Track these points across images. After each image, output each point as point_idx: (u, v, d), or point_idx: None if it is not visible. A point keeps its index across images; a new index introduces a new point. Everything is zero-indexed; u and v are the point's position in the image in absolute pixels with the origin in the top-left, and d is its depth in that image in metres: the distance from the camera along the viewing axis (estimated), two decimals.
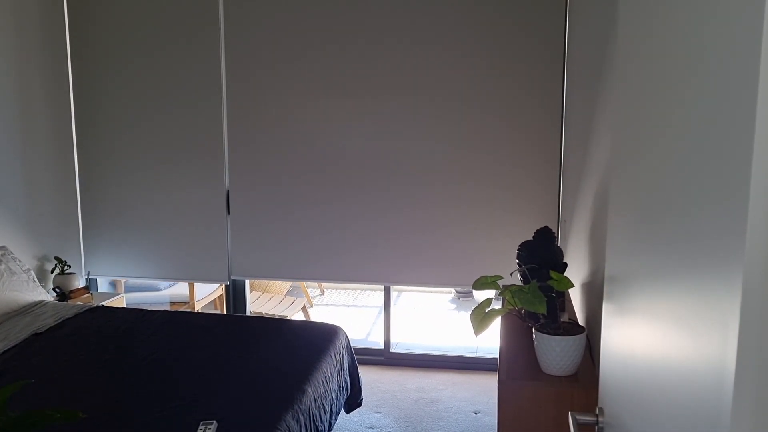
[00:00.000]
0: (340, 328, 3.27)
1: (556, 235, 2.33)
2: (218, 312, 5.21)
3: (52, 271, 4.00)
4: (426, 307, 6.40)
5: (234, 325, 3.29)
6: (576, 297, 2.52)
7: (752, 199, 0.57)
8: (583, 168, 2.63)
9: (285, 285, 5.49)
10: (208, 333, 3.17)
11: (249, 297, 4.56)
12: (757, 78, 0.56)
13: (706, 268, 0.68)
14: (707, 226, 0.68)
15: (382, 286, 4.32)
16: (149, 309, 3.55)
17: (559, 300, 2.04)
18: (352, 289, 6.75)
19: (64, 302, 3.73)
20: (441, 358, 4.32)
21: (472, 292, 6.21)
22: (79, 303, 3.71)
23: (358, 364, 3.29)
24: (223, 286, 4.85)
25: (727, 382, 0.60)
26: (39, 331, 3.11)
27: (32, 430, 1.54)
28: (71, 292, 3.91)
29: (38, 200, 3.97)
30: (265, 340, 3.07)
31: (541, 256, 2.13)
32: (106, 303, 3.79)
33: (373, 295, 6.56)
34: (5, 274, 3.42)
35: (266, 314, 4.82)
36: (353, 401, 3.22)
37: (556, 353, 1.81)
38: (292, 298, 5.38)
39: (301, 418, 2.45)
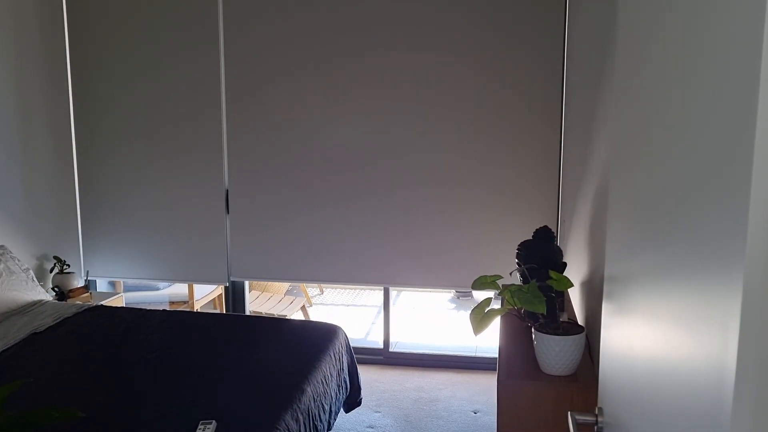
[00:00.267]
0: (339, 328, 3.27)
1: (555, 234, 2.32)
2: (217, 311, 5.21)
3: (51, 271, 4.00)
4: (425, 306, 6.40)
5: (233, 325, 3.29)
6: (575, 296, 2.52)
7: (753, 199, 0.57)
8: (583, 168, 2.63)
9: (284, 284, 5.49)
10: (207, 332, 3.17)
11: (248, 296, 4.55)
12: (758, 77, 0.56)
13: (707, 268, 0.68)
14: (707, 225, 0.68)
15: (382, 286, 4.32)
16: (148, 308, 3.55)
17: (559, 300, 2.04)
18: (351, 289, 6.75)
19: (63, 301, 3.72)
20: (440, 357, 4.32)
21: (471, 291, 6.21)
22: (78, 302, 3.71)
23: (358, 363, 3.29)
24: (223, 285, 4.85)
25: (727, 383, 0.60)
26: (38, 330, 3.10)
27: (31, 430, 1.54)
28: (70, 291, 3.91)
29: (37, 199, 3.96)
30: (265, 339, 3.07)
31: (541, 256, 2.13)
32: (105, 302, 3.79)
33: (373, 295, 6.56)
34: (4, 274, 3.42)
35: (265, 314, 4.82)
36: (352, 401, 3.22)
37: (555, 353, 1.81)
38: (292, 298, 5.38)
39: (301, 417, 2.45)
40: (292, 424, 2.36)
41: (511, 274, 2.20)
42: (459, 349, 4.73)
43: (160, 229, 4.21)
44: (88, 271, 4.33)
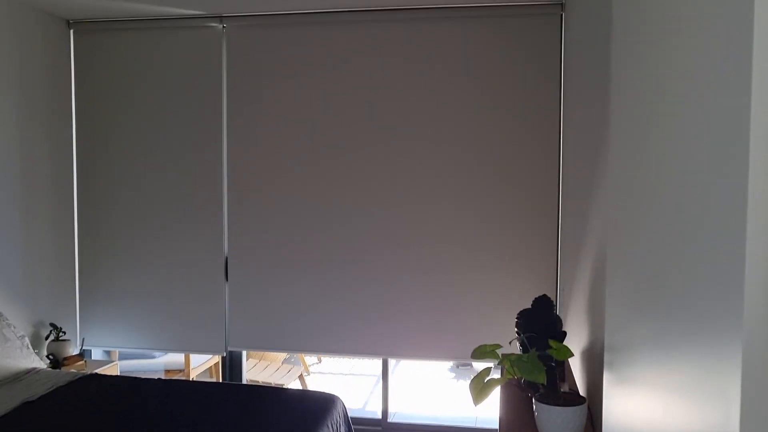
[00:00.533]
0: (337, 397, 3.22)
1: (554, 303, 2.32)
2: (214, 380, 5.12)
3: (46, 338, 3.96)
4: (424, 375, 6.30)
5: (230, 394, 3.24)
6: (576, 366, 2.50)
7: (748, 269, 0.58)
8: (582, 237, 2.65)
9: (282, 353, 5.42)
10: (204, 401, 3.11)
11: (245, 365, 4.49)
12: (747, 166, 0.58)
13: (705, 339, 0.69)
14: (704, 297, 0.69)
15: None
16: (144, 377, 3.49)
17: (559, 369, 2.01)
18: (349, 357, 6.66)
19: (58, 369, 3.67)
20: (439, 428, 4.22)
21: (471, 361, 6.12)
22: (72, 370, 3.65)
23: None
24: None
25: None
26: (30, 400, 3.05)
27: None
28: (65, 359, 3.85)
29: (36, 266, 3.96)
30: (262, 408, 3.01)
31: (540, 325, 2.12)
32: (99, 370, 3.73)
33: (371, 363, 6.47)
34: None
35: (263, 382, 4.74)
36: None
37: (557, 424, 1.78)
38: (289, 366, 5.31)
39: None
40: None
41: (510, 343, 2.19)
42: (459, 419, 4.63)
43: (159, 297, 4.19)
44: (83, 339, 4.28)
